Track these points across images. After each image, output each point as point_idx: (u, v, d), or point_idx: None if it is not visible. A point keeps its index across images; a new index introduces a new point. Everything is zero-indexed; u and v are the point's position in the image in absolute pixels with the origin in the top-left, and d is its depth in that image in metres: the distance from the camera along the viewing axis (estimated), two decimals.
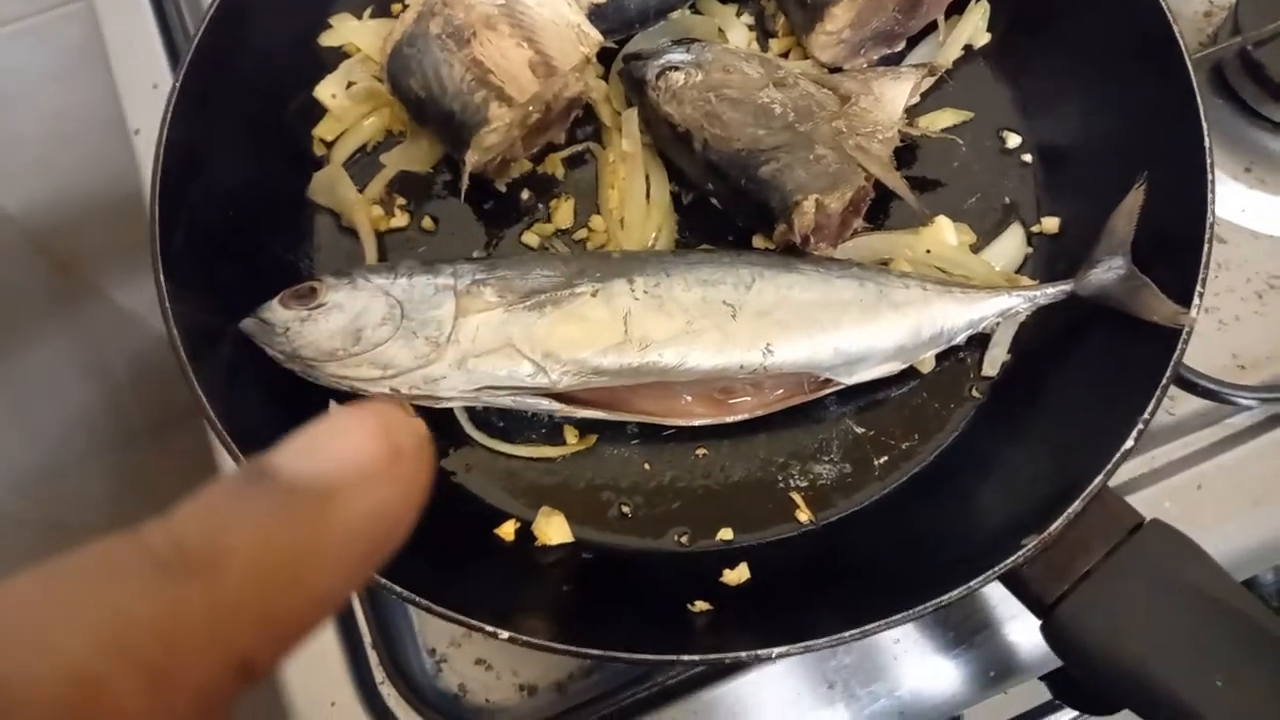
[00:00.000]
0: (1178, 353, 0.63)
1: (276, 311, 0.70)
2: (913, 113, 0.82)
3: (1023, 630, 0.75)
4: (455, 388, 0.69)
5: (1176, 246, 0.68)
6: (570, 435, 0.75)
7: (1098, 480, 0.60)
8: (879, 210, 0.81)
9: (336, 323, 0.69)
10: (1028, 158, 0.83)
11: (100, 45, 1.02)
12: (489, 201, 0.83)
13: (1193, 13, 0.99)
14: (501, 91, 0.75)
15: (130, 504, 1.64)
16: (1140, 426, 0.61)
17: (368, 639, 0.75)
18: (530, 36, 0.76)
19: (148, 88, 0.99)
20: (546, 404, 0.71)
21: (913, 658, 0.75)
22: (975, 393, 0.75)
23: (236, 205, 0.78)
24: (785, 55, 0.87)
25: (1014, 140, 0.83)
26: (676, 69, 0.78)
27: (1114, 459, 0.60)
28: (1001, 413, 0.74)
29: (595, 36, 0.79)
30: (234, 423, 0.66)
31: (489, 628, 0.57)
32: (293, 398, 0.73)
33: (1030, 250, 0.80)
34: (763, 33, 0.88)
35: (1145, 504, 0.77)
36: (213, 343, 0.71)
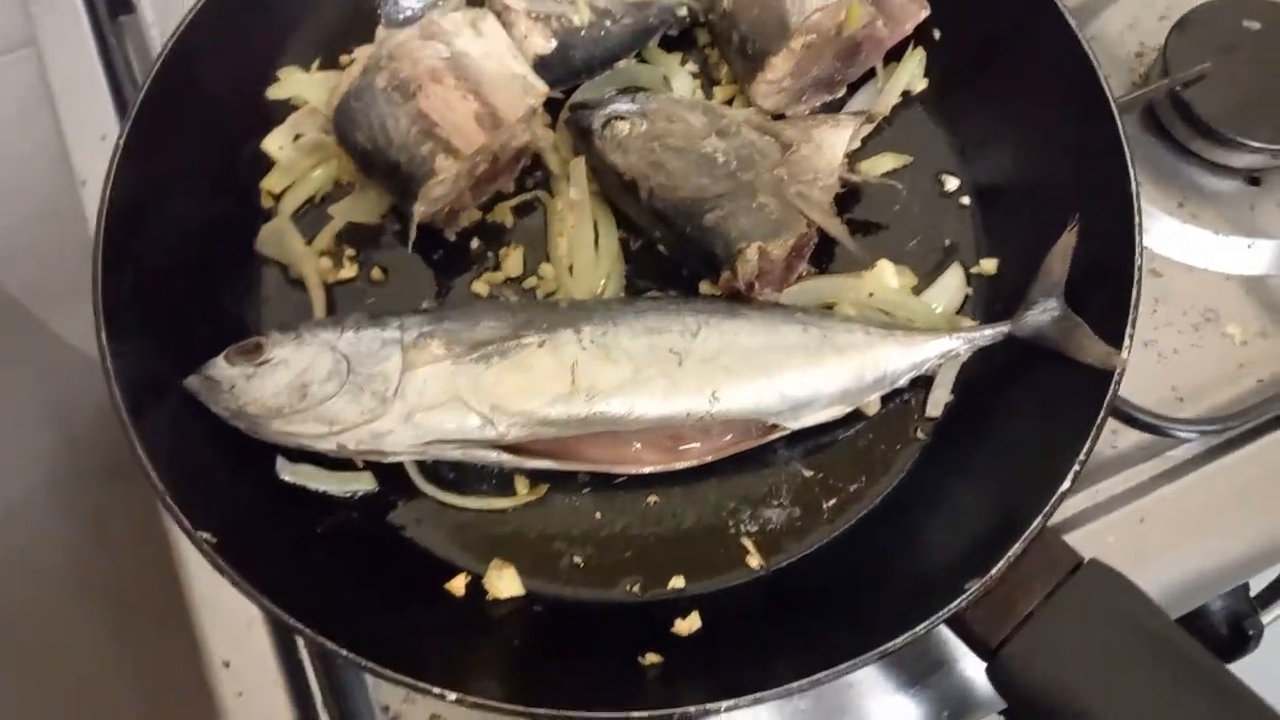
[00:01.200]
0: (1110, 394, 0.65)
1: (221, 368, 0.70)
2: (854, 158, 0.84)
3: (976, 667, 0.75)
4: (403, 442, 0.69)
5: (1109, 287, 0.70)
6: (521, 485, 0.75)
7: (1036, 522, 0.61)
8: (823, 254, 0.83)
9: (282, 379, 0.69)
10: (966, 200, 0.85)
11: (48, 94, 1.02)
12: (438, 251, 0.84)
13: (1125, 54, 1.03)
14: (448, 144, 0.75)
15: (88, 546, 1.61)
16: (1076, 468, 0.63)
17: (319, 698, 0.74)
18: (476, 89, 0.77)
19: (95, 139, 0.98)
20: (495, 456, 0.71)
21: (870, 699, 0.75)
22: (920, 434, 0.77)
23: (182, 258, 0.78)
24: (729, 102, 0.88)
25: (952, 183, 0.85)
26: (622, 118, 0.80)
27: (1051, 501, 0.62)
28: (945, 453, 0.75)
29: (541, 88, 0.80)
30: (176, 482, 0.66)
31: (437, 690, 0.57)
32: (238, 454, 0.72)
33: (970, 291, 0.82)
34: (707, 80, 0.90)
35: (1089, 538, 0.80)
36: (156, 398, 0.71)
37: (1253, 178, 0.96)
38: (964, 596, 0.60)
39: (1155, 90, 0.92)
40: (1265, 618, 1.03)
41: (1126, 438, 0.85)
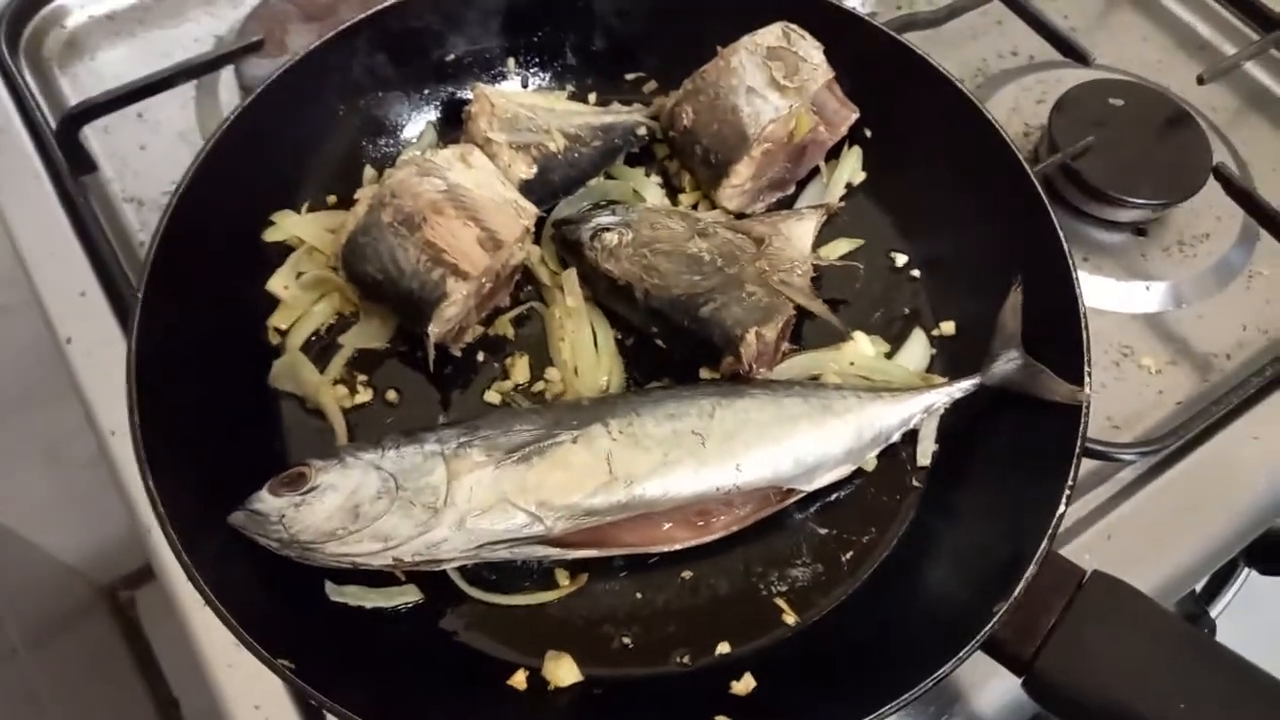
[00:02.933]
0: (1083, 425, 0.74)
1: (267, 501, 0.73)
2: (814, 245, 0.93)
3: (997, 690, 0.82)
4: (456, 548, 0.73)
5: (1060, 332, 0.81)
6: (562, 577, 0.79)
7: (1044, 545, 0.69)
8: (796, 332, 0.91)
9: (332, 503, 0.72)
10: (916, 273, 0.95)
11: (17, 258, 1.03)
12: (448, 367, 0.88)
13: (1015, 133, 1.17)
14: (456, 267, 0.81)
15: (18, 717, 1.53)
16: (1068, 491, 0.71)
17: None
18: (475, 215, 0.84)
19: (74, 295, 0.99)
20: (542, 550, 0.75)
21: None
22: (915, 482, 0.85)
23: (206, 401, 0.80)
24: (695, 206, 0.97)
25: (902, 259, 0.96)
26: (608, 230, 0.87)
27: (1053, 523, 0.70)
28: (942, 496, 0.83)
29: (531, 209, 0.87)
30: (244, 614, 0.67)
31: None
32: (286, 582, 0.74)
33: (934, 351, 0.91)
34: (670, 189, 0.99)
35: (1070, 558, 0.88)
36: (207, 536, 0.72)
37: (1139, 229, 1.10)
38: (995, 619, 0.67)
39: (1050, 165, 1.06)
40: (1213, 611, 1.14)
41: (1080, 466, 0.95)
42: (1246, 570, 1.22)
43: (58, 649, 1.78)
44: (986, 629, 0.67)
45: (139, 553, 0.87)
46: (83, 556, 1.93)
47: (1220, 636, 1.05)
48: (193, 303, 0.82)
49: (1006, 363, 0.82)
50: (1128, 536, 0.91)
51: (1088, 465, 0.95)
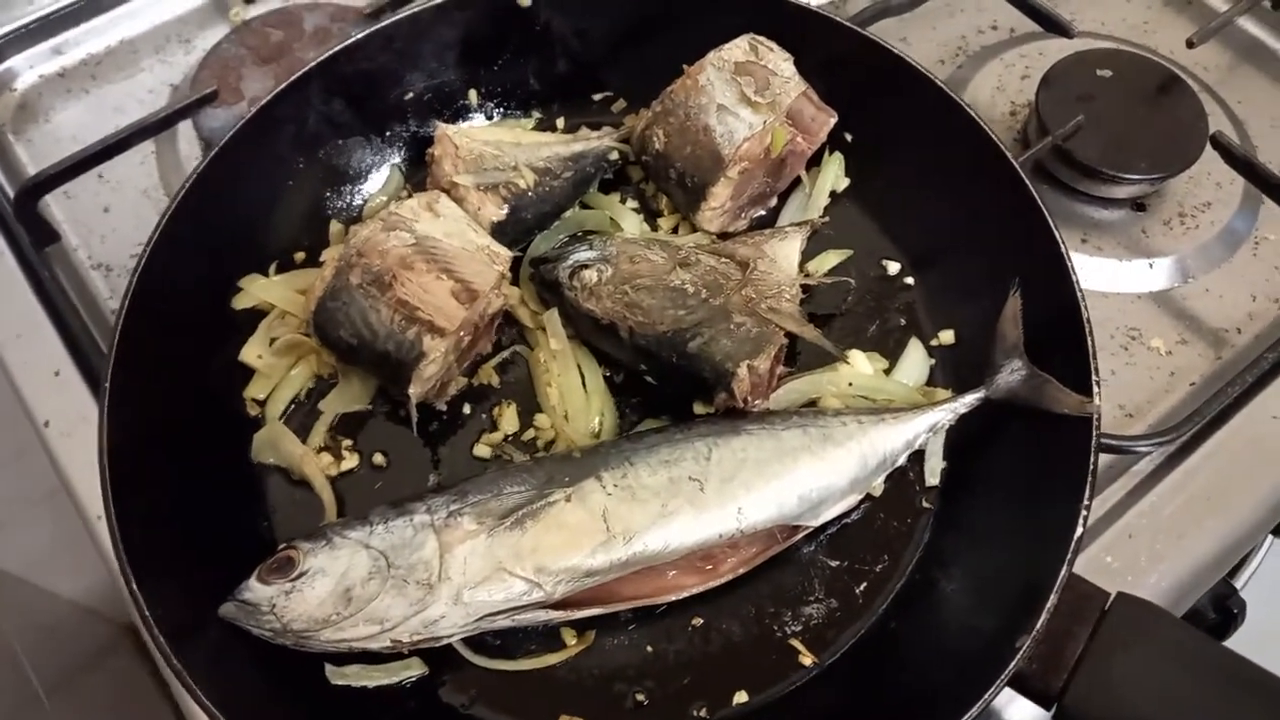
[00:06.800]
0: (1095, 440, 0.71)
1: (256, 590, 0.70)
2: (801, 261, 0.90)
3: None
4: (455, 623, 0.70)
5: (1063, 338, 0.77)
6: (568, 636, 0.77)
7: (1063, 571, 0.66)
8: (790, 353, 0.88)
9: (323, 588, 0.70)
10: (910, 280, 0.92)
11: None
12: (433, 423, 0.86)
13: (1001, 114, 1.14)
14: (432, 324, 0.78)
15: None
16: (1084, 513, 0.68)
17: None
18: (447, 267, 0.81)
19: (48, 375, 0.97)
20: (545, 615, 0.73)
21: None
22: (925, 503, 0.82)
23: (183, 484, 0.77)
24: (675, 230, 0.94)
25: (894, 267, 0.92)
26: (586, 266, 0.84)
27: (1071, 547, 0.67)
28: (954, 516, 0.80)
29: (505, 253, 0.84)
30: (236, 710, 0.65)
31: None
32: (283, 669, 0.72)
33: (933, 362, 0.88)
34: (648, 213, 0.96)
35: (1091, 564, 0.85)
36: (197, 634, 0.70)
37: (1138, 204, 1.07)
38: (1019, 655, 0.64)
39: (1042, 149, 1.02)
40: (1239, 585, 1.11)
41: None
42: (1271, 539, 1.19)
43: (82, 691, 1.78)
44: (1011, 666, 0.64)
45: None
46: (99, 597, 1.92)
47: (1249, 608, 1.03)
48: (163, 382, 0.80)
49: (1010, 374, 0.79)
50: (1150, 533, 0.87)
51: (1103, 460, 0.92)
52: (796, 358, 0.88)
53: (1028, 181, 0.84)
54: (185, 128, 1.12)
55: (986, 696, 0.63)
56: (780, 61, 0.86)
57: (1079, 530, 0.68)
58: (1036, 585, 0.67)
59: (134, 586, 0.68)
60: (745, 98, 0.85)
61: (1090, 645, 0.65)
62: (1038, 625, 0.65)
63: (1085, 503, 0.69)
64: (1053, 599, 0.65)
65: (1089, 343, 0.75)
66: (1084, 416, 0.73)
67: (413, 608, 0.69)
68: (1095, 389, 0.73)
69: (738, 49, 0.87)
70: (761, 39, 0.88)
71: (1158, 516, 0.89)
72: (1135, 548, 0.87)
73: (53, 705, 1.68)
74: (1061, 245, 0.80)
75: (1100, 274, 1.03)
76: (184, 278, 0.83)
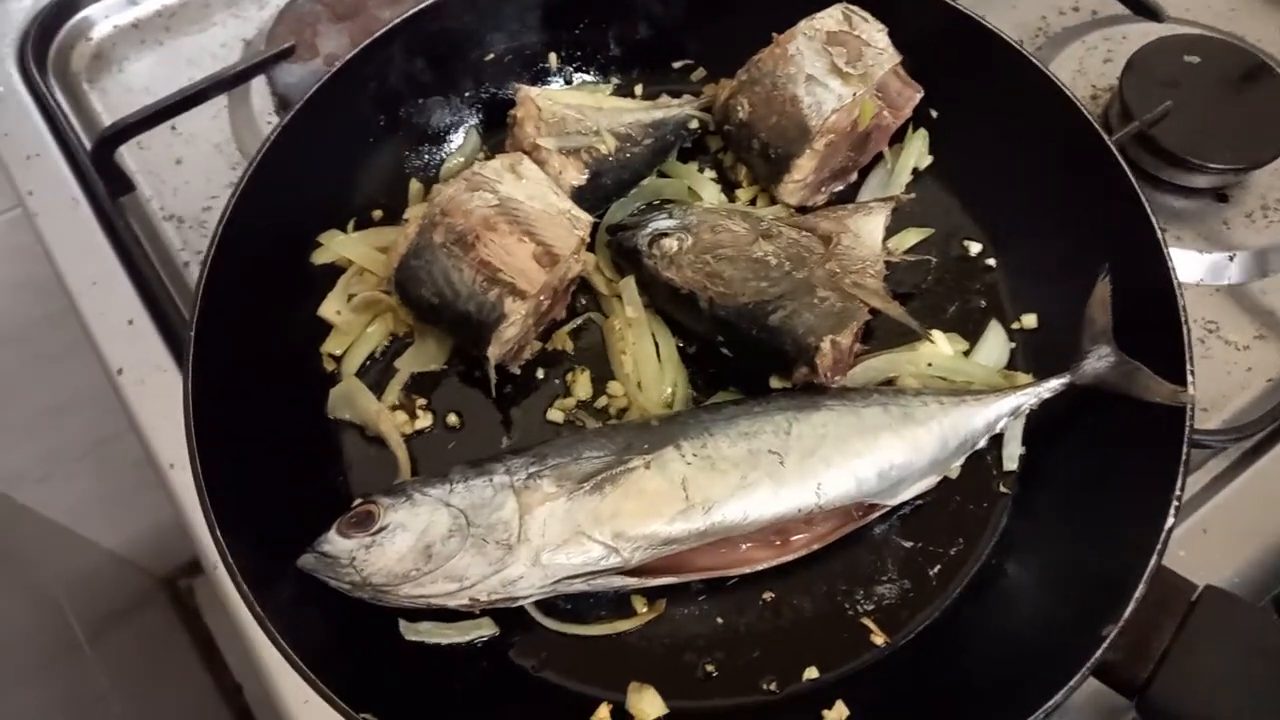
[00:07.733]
0: (1188, 428, 0.70)
1: (336, 543, 0.70)
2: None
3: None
4: (533, 585, 0.70)
5: (1155, 326, 0.76)
6: (639, 604, 0.77)
7: (1153, 561, 0.65)
8: (866, 331, 0.87)
9: (404, 543, 0.70)
10: (992, 261, 0.90)
11: (63, 289, 1.01)
12: (507, 386, 0.86)
13: (1082, 98, 1.10)
14: (513, 286, 0.78)
15: (76, 714, 1.56)
16: (1176, 503, 0.67)
17: None
18: (529, 230, 0.80)
19: (122, 324, 0.97)
20: (619, 581, 0.73)
21: None
22: (1003, 488, 0.81)
23: (264, 437, 0.78)
24: (753, 202, 0.93)
25: (975, 247, 0.91)
26: (666, 235, 0.83)
27: (1161, 537, 0.66)
28: (1031, 503, 0.79)
29: (586, 219, 0.84)
30: (321, 667, 0.66)
31: None
32: (359, 624, 0.73)
33: (1014, 345, 0.87)
34: (726, 184, 0.95)
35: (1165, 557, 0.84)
36: (274, 584, 0.70)
37: (1220, 195, 1.04)
38: (1105, 643, 0.63)
39: (1127, 134, 1.00)
40: None
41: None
42: None
43: (119, 640, 1.81)
44: (1097, 655, 0.63)
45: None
46: (139, 549, 1.95)
47: None
48: (245, 335, 0.80)
49: (1098, 360, 0.77)
50: (1223, 530, 0.86)
51: None
52: (872, 336, 0.87)
53: (1124, 165, 0.82)
54: (259, 83, 1.12)
55: (1072, 684, 0.62)
56: (874, 33, 0.85)
57: (1169, 520, 0.67)
58: (1122, 575, 0.66)
59: (218, 533, 0.68)
60: (836, 68, 0.83)
61: (1177, 637, 0.64)
62: (1125, 614, 0.64)
63: (1177, 493, 0.67)
64: (1141, 588, 0.65)
65: (1184, 331, 0.74)
66: (1174, 406, 0.72)
67: (492, 567, 0.69)
68: (1190, 378, 0.72)
69: (830, 19, 0.85)
70: (856, 9, 0.86)
71: (1233, 512, 0.87)
72: (1209, 542, 0.86)
73: (93, 652, 1.71)
74: (1159, 232, 0.78)
75: (1179, 265, 0.99)
76: (265, 231, 0.83)
